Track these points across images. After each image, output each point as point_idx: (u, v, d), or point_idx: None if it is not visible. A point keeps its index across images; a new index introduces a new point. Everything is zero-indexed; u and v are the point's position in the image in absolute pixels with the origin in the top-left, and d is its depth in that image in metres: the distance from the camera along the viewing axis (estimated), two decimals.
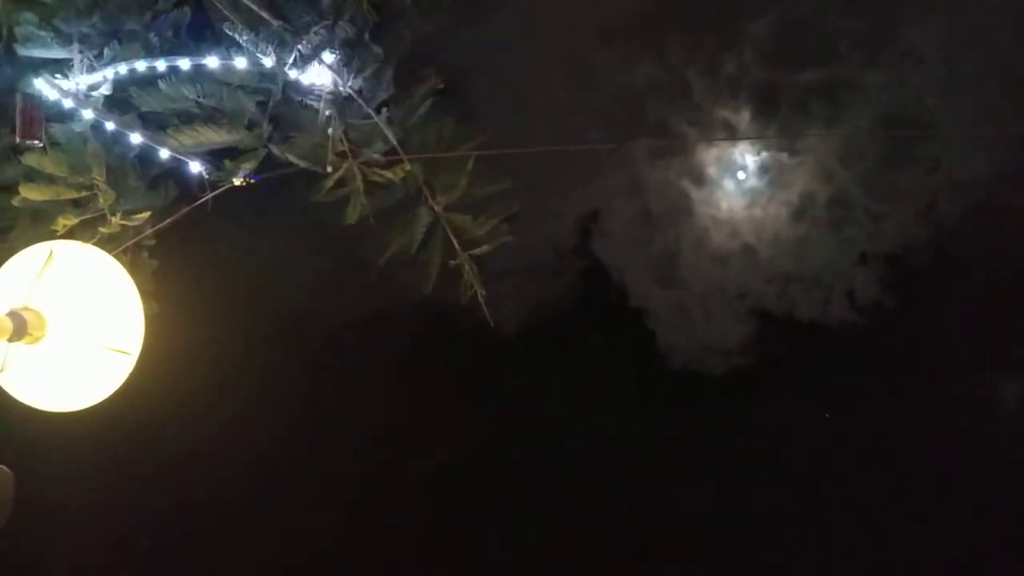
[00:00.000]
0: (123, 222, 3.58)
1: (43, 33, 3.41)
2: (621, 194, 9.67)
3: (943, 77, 8.67)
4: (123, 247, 3.55)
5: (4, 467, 2.68)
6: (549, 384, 9.71)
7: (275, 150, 3.61)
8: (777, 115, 9.09)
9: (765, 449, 9.49)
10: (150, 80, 3.50)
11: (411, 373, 9.21)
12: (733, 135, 9.33)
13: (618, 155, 9.28)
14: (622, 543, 9.49)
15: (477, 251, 3.91)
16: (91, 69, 3.42)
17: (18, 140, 3.22)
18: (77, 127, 3.51)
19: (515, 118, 8.86)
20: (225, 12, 3.30)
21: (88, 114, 3.39)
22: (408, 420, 9.31)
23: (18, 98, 3.20)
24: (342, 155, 3.70)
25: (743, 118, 9.16)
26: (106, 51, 3.43)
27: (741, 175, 9.41)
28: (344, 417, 9.21)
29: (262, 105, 3.55)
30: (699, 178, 9.52)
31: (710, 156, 9.40)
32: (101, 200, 3.53)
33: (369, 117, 3.59)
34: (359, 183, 3.79)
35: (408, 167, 3.75)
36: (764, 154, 9.31)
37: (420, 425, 9.34)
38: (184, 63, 3.42)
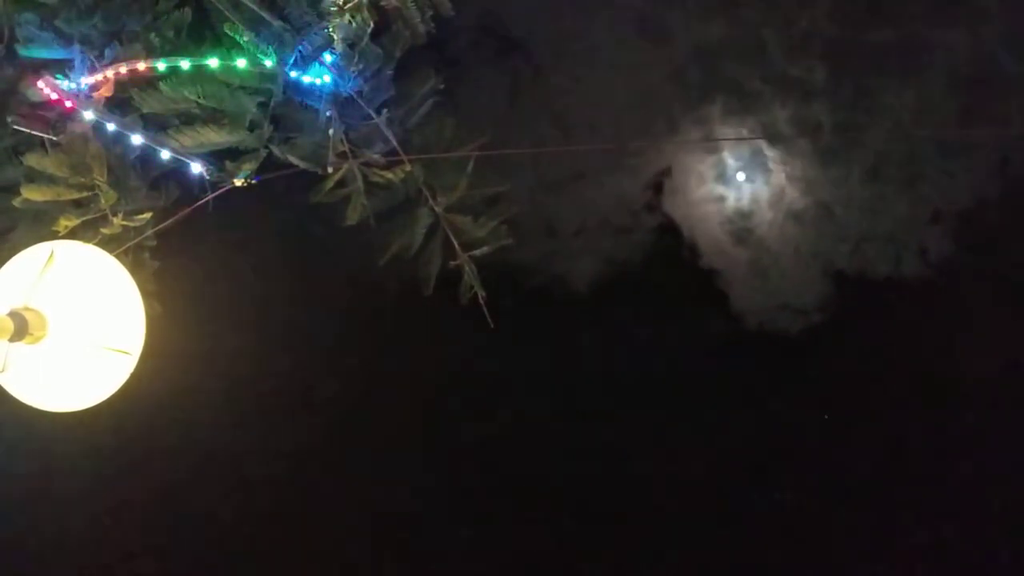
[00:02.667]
0: (124, 223, 3.58)
1: (44, 34, 3.42)
2: (695, 151, 9.63)
3: (1015, 32, 8.57)
4: (124, 248, 3.55)
5: None
6: (621, 342, 9.64)
7: (276, 151, 3.61)
8: (851, 73, 8.99)
9: (843, 407, 9.40)
10: (151, 81, 3.51)
11: (478, 332, 9.12)
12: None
13: (694, 113, 9.22)
14: (696, 502, 9.41)
15: (477, 252, 3.91)
16: (92, 70, 3.42)
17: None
18: (78, 128, 3.52)
19: (587, 75, 8.82)
20: (226, 13, 3.31)
21: (89, 115, 3.39)
22: (473, 382, 9.21)
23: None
24: (342, 156, 3.70)
25: (818, 76, 9.07)
26: (107, 52, 3.44)
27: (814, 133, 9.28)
28: (378, 399, 9.09)
29: (263, 106, 3.56)
30: (774, 135, 9.43)
31: (785, 113, 9.31)
32: (102, 201, 3.53)
33: (369, 118, 3.59)
34: (360, 184, 3.80)
35: (408, 168, 3.75)
36: (840, 112, 9.20)
37: (485, 385, 9.26)
38: (185, 64, 3.43)
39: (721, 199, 9.71)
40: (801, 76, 9.08)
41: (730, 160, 9.61)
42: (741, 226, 9.75)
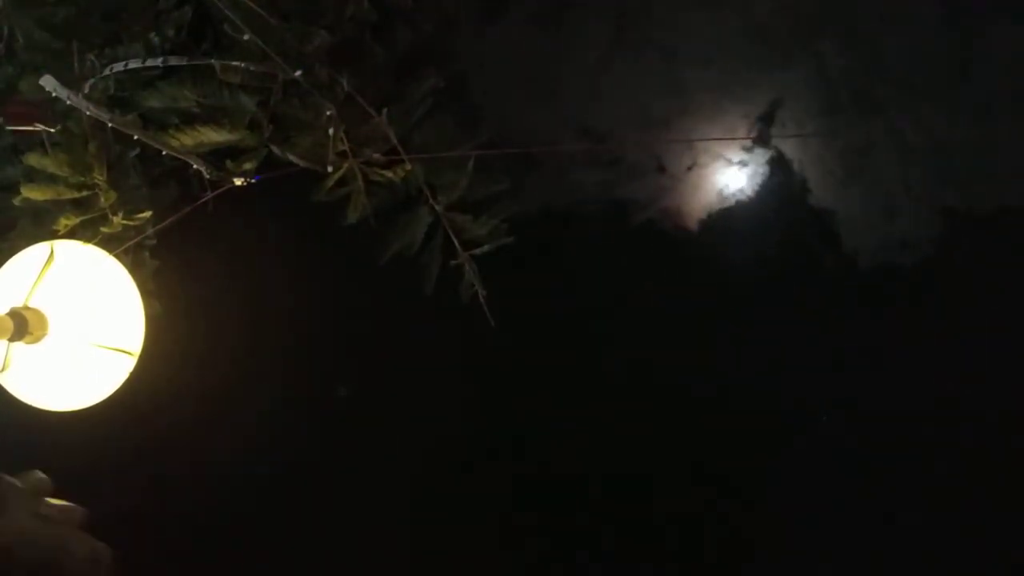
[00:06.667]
0: (124, 222, 3.58)
1: (43, 33, 3.42)
2: (807, 85, 9.56)
3: None
4: (124, 247, 3.55)
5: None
6: (730, 280, 9.59)
7: (276, 150, 3.61)
8: (961, 9, 8.87)
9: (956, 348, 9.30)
10: (151, 80, 3.51)
11: (584, 271, 9.05)
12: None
13: (807, 50, 9.14)
14: (825, 445, 9.32)
15: (477, 251, 3.91)
16: (92, 69, 3.42)
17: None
18: (77, 127, 3.51)
19: (695, 7, 8.76)
20: (226, 12, 3.31)
21: (89, 114, 3.39)
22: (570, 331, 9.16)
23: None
24: (342, 155, 3.70)
25: (928, 11, 8.94)
26: (107, 51, 3.44)
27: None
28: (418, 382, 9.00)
29: (263, 105, 3.55)
30: (886, 70, 9.32)
31: (898, 49, 9.18)
32: (102, 200, 3.53)
33: (370, 116, 3.59)
34: (360, 183, 3.79)
35: (409, 167, 3.75)
36: (952, 49, 9.03)
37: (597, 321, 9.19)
38: (185, 63, 3.43)
39: (832, 133, 9.62)
40: (912, 11, 8.93)
41: (842, 93, 9.49)
42: (853, 161, 9.65)
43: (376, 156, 3.72)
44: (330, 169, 3.66)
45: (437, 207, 3.83)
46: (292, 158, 3.58)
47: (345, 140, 3.67)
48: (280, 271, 8.72)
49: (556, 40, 8.98)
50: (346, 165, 3.71)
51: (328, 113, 3.53)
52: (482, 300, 3.88)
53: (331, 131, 3.56)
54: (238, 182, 3.55)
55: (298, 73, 3.44)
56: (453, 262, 3.88)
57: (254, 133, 3.58)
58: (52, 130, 3.45)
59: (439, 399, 9.27)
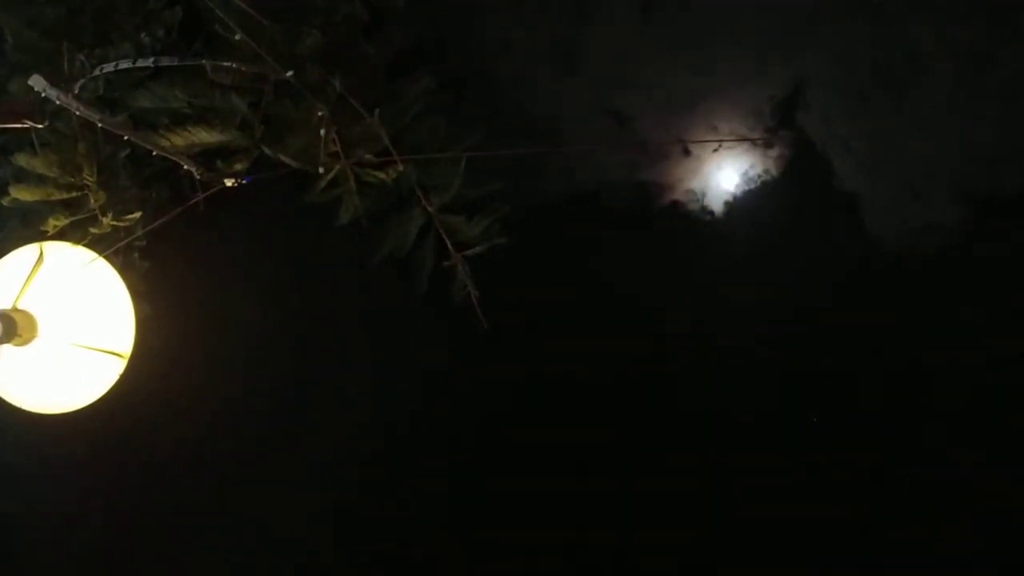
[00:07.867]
0: (114, 223, 3.56)
1: (33, 33, 3.40)
2: (832, 68, 9.56)
3: None
4: (114, 248, 3.52)
5: None
6: (755, 262, 9.62)
7: (267, 151, 3.59)
8: None
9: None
10: (141, 80, 3.49)
11: (610, 255, 9.07)
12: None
13: (832, 31, 9.12)
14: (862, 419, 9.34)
15: (470, 252, 3.90)
16: (82, 69, 3.40)
17: None
18: (67, 127, 3.49)
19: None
20: (217, 12, 3.29)
21: (78, 114, 3.37)
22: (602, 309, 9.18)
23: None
24: (334, 156, 3.68)
25: None
26: (97, 51, 3.42)
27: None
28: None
29: (254, 105, 3.54)
30: (912, 56, 9.30)
31: (924, 32, 9.15)
32: (92, 200, 3.51)
33: (362, 117, 3.58)
34: (352, 184, 3.78)
35: (401, 168, 3.73)
36: (976, 33, 8.99)
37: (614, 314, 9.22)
38: (176, 63, 3.41)
39: (856, 116, 9.60)
40: None
41: (867, 78, 9.45)
42: (877, 144, 9.64)
43: (368, 157, 3.70)
44: (322, 170, 3.65)
45: (430, 208, 3.82)
46: (284, 159, 3.57)
47: (337, 141, 3.65)
48: (271, 272, 8.70)
49: (581, 21, 9.02)
50: (338, 166, 3.70)
51: (320, 114, 3.51)
52: (475, 302, 3.87)
53: (323, 132, 3.54)
54: (229, 183, 3.53)
55: (289, 73, 3.42)
56: (446, 263, 3.87)
57: (245, 134, 3.56)
58: (40, 126, 3.42)
59: (441, 397, 9.27)
